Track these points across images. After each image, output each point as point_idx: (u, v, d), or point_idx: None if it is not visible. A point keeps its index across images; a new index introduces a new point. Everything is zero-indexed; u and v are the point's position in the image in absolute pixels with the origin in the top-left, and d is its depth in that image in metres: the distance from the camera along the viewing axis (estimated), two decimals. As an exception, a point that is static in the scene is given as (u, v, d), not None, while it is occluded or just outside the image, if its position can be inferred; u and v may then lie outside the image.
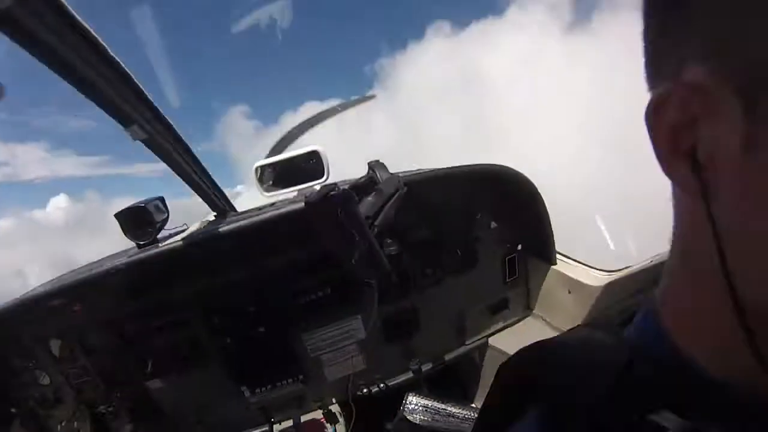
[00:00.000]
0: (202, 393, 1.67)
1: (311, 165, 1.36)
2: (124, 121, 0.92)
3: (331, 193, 0.99)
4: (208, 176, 1.36)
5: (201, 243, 1.44)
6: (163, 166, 1.12)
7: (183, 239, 1.41)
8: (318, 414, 1.78)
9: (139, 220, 1.38)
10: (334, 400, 1.78)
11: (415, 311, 1.74)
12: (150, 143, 1.02)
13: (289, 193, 1.43)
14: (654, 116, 0.36)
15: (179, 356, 1.63)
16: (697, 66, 0.32)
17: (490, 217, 1.71)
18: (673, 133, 0.35)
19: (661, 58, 0.38)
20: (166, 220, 1.41)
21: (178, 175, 1.21)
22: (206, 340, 1.63)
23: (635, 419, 0.38)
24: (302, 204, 1.09)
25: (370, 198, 1.17)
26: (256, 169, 1.38)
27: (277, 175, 1.39)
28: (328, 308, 1.64)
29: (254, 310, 1.62)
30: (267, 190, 1.38)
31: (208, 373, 1.66)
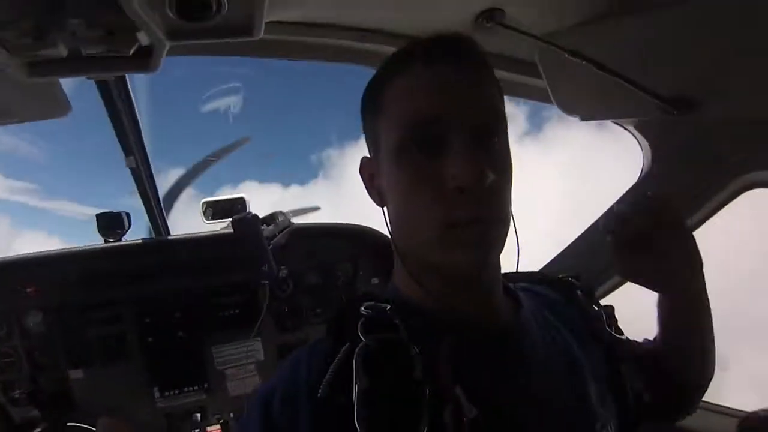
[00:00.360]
0: (117, 388, 1.83)
1: (238, 207, 1.91)
2: (126, 150, 1.45)
3: (246, 215, 1.74)
4: (159, 202, 1.81)
5: (148, 248, 1.85)
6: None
7: (135, 244, 1.86)
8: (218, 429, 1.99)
9: (113, 223, 1.84)
10: (232, 415, 2.01)
11: (306, 341, 2.11)
12: (134, 172, 1.54)
13: (222, 222, 1.94)
14: (361, 170, 0.75)
15: (106, 349, 1.81)
16: (370, 150, 0.72)
17: (372, 273, 2.15)
18: (370, 179, 0.74)
19: (367, 142, 0.75)
20: (127, 230, 1.86)
21: (142, 196, 1.68)
22: (133, 337, 1.83)
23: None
24: (227, 231, 1.83)
25: (270, 227, 1.84)
26: (202, 203, 1.91)
27: (215, 210, 1.92)
28: (236, 327, 1.96)
29: (179, 317, 1.90)
30: (207, 220, 1.90)
31: (127, 369, 1.83)
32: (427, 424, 0.55)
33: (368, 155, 0.74)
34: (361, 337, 0.60)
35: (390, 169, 0.68)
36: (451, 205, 0.62)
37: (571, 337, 0.79)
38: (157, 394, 1.87)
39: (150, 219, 1.88)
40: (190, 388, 1.92)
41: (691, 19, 0.89)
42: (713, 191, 1.18)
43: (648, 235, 0.75)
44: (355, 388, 0.56)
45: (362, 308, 0.64)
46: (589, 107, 1.10)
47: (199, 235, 1.96)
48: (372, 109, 0.71)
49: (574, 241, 1.62)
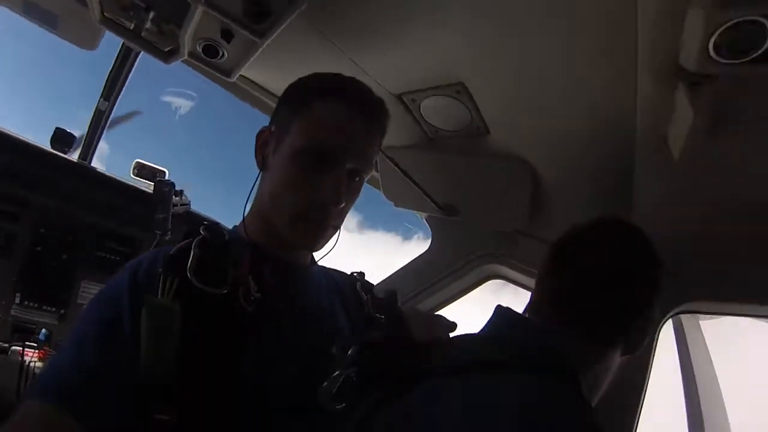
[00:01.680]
0: None
1: (161, 174, 2.29)
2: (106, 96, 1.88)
3: (168, 181, 2.08)
4: (99, 141, 2.16)
5: (75, 169, 2.08)
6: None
7: (68, 160, 2.11)
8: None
9: (65, 140, 2.14)
10: None
11: None
12: (100, 113, 1.97)
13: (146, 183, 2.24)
14: (259, 135, 0.95)
15: None
16: (274, 128, 0.93)
17: None
18: (262, 146, 0.95)
19: (272, 122, 0.96)
20: (70, 152, 2.17)
21: (91, 131, 2.06)
22: (23, 240, 1.93)
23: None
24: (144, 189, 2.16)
25: (176, 198, 2.14)
26: (135, 162, 2.26)
27: (143, 171, 2.27)
28: (110, 273, 1.93)
29: (69, 240, 2.03)
30: (133, 175, 2.25)
31: (3, 265, 1.91)
32: (229, 288, 0.82)
33: (268, 127, 0.96)
34: (201, 233, 0.87)
35: (287, 159, 0.89)
36: (311, 207, 0.88)
37: (341, 309, 1.05)
38: (17, 300, 1.94)
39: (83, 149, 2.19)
40: (49, 308, 2.01)
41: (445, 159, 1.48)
42: (462, 275, 1.61)
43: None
44: (191, 255, 0.82)
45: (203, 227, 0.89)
46: (401, 199, 1.59)
47: (121, 179, 2.19)
48: (294, 108, 0.91)
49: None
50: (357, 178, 0.93)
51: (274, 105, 1.48)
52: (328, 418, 0.80)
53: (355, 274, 1.17)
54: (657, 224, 1.32)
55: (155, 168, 2.29)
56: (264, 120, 1.47)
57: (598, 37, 0.98)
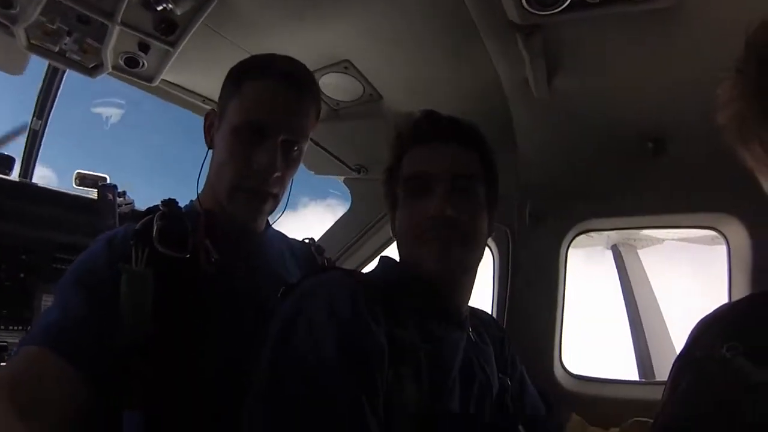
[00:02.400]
0: None
1: (102, 181, 2.24)
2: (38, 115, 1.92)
3: (110, 184, 2.02)
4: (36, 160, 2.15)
5: (17, 189, 2.00)
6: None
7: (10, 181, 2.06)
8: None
9: (5, 163, 2.04)
10: None
11: None
12: (35, 133, 2.03)
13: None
14: (206, 117, 1.04)
15: None
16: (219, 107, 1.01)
17: None
18: (209, 127, 1.03)
19: (219, 101, 1.01)
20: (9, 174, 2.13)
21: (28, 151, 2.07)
22: None
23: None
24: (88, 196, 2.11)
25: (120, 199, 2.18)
26: (76, 173, 2.23)
27: (85, 180, 2.25)
28: None
29: (24, 260, 1.92)
30: (76, 186, 2.23)
31: None
32: (190, 252, 0.91)
33: (213, 110, 1.04)
34: (160, 208, 0.96)
35: (225, 136, 0.96)
36: (247, 177, 0.94)
37: (295, 267, 1.13)
38: None
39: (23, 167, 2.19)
40: (15, 327, 1.92)
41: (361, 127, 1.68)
42: (382, 227, 1.78)
43: None
44: (155, 227, 0.90)
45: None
46: (320, 168, 1.78)
47: (65, 191, 2.16)
48: (230, 89, 0.97)
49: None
50: (294, 149, 0.99)
51: (197, 102, 1.66)
52: None
53: (306, 240, 1.28)
54: (541, 156, 1.53)
55: (96, 175, 2.28)
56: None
57: (447, 6, 1.16)
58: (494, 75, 1.31)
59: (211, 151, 1.04)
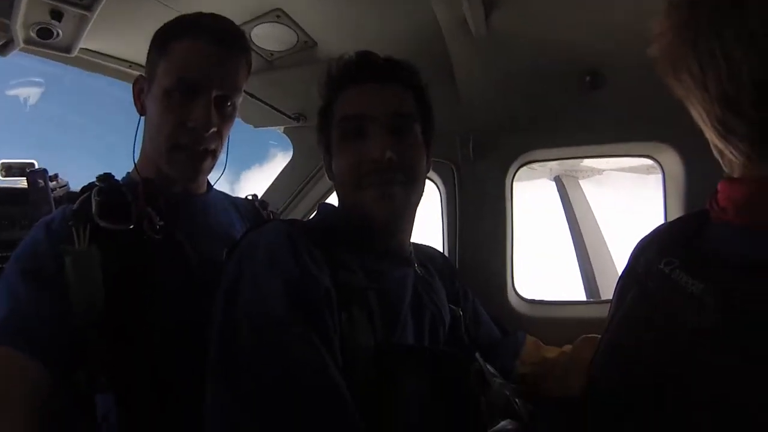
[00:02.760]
0: None
1: (31, 167, 2.13)
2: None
3: (40, 169, 1.92)
4: None
5: None
6: None
7: None
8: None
9: None
10: None
11: None
12: None
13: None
14: (135, 84, 1.01)
15: None
16: (147, 72, 0.99)
17: None
18: (139, 92, 1.01)
19: (146, 66, 0.98)
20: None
21: None
22: None
23: None
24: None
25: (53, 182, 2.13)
26: (1, 164, 2.16)
27: (11, 169, 2.18)
28: None
29: None
30: (3, 177, 2.16)
31: None
32: (134, 223, 0.91)
33: (142, 75, 1.01)
34: (96, 183, 0.94)
35: (157, 99, 0.95)
36: (183, 134, 0.95)
37: (241, 224, 1.16)
38: None
39: None
40: None
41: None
42: (321, 173, 1.79)
43: None
44: (93, 203, 0.89)
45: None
46: (258, 120, 1.77)
47: None
48: (158, 52, 0.96)
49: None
50: (228, 104, 0.99)
51: (124, 69, 1.59)
52: None
53: (249, 197, 1.29)
54: (482, 92, 1.54)
55: (22, 162, 2.17)
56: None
57: None
58: (430, 14, 1.28)
59: (143, 119, 1.03)
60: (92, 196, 0.91)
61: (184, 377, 0.87)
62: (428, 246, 1.37)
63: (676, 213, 1.63)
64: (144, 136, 1.02)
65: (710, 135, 0.68)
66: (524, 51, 1.39)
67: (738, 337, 0.58)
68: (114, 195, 0.93)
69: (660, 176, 1.71)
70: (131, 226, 0.91)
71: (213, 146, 1.00)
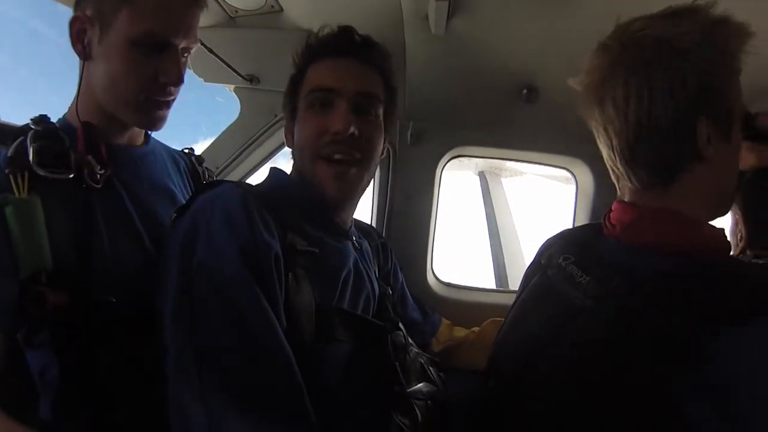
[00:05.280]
0: None
1: None
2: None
3: None
4: None
5: None
6: None
7: None
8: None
9: None
10: None
11: None
12: None
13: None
14: (73, 22, 0.90)
15: None
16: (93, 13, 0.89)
17: None
18: (79, 33, 0.91)
19: (93, 7, 0.90)
20: None
21: None
22: None
23: None
24: None
25: None
26: None
27: None
28: None
29: None
30: None
31: None
32: (74, 172, 0.87)
33: (82, 13, 0.91)
34: (31, 126, 0.89)
35: (120, 48, 0.90)
36: (155, 90, 0.94)
37: (178, 178, 1.17)
38: None
39: None
40: None
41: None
42: (269, 136, 1.82)
43: None
44: (30, 149, 0.84)
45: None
46: (210, 75, 1.76)
47: None
48: None
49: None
50: (186, 54, 0.99)
51: None
52: None
53: (186, 150, 1.30)
54: (428, 86, 1.66)
55: None
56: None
57: None
58: (396, 4, 1.39)
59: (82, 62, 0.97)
60: (28, 141, 0.86)
61: (128, 327, 0.89)
62: (365, 223, 1.46)
63: (582, 220, 1.90)
64: (89, 79, 0.97)
65: (614, 160, 0.84)
66: (474, 55, 1.53)
67: (606, 315, 0.76)
68: (51, 140, 0.89)
69: (573, 188, 1.97)
70: (71, 175, 0.87)
71: (176, 96, 1.00)
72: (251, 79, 1.73)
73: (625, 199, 0.88)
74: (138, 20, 0.88)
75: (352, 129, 0.97)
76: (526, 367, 0.87)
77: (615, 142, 0.82)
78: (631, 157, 0.81)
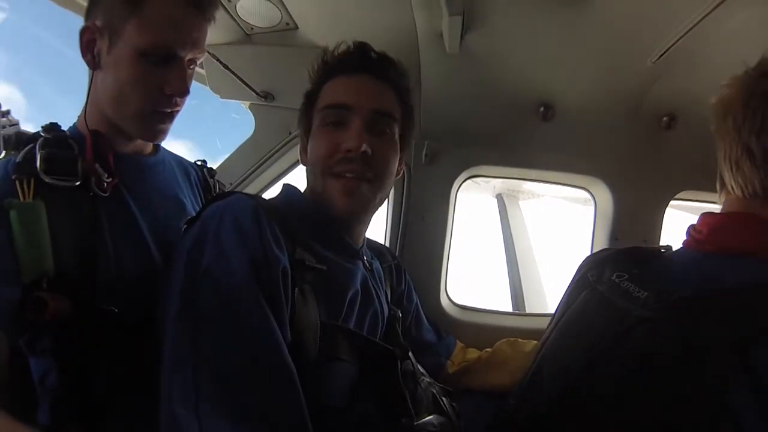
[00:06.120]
0: None
1: None
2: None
3: None
4: None
5: None
6: None
7: None
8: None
9: None
10: None
11: None
12: None
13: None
14: (84, 32, 0.91)
15: None
16: (104, 24, 0.89)
17: None
18: (89, 43, 0.91)
19: (104, 17, 0.90)
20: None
21: None
22: None
23: None
24: None
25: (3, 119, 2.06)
26: None
27: None
28: None
29: None
30: None
31: None
32: (81, 179, 0.87)
33: (92, 23, 0.92)
34: (41, 134, 0.90)
35: (128, 59, 0.90)
36: (161, 101, 0.94)
37: (188, 187, 1.16)
38: None
39: None
40: None
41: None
42: (283, 153, 1.82)
43: None
44: (38, 156, 0.85)
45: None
46: (226, 92, 1.78)
47: None
48: (128, 7, 0.88)
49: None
50: (192, 66, 0.98)
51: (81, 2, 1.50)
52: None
53: (198, 162, 1.29)
54: (443, 104, 1.64)
55: None
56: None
57: None
58: (411, 22, 1.38)
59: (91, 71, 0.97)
60: (36, 148, 0.87)
61: (130, 336, 0.88)
62: (379, 243, 1.44)
63: (602, 241, 1.83)
64: (98, 88, 0.97)
65: (724, 167, 0.90)
66: (488, 74, 1.52)
67: (671, 324, 0.77)
68: (59, 148, 0.89)
69: (593, 209, 1.91)
70: (78, 183, 0.88)
71: (181, 107, 1.00)
72: (266, 96, 1.73)
73: (723, 210, 0.92)
74: (146, 31, 0.89)
75: (364, 147, 0.95)
76: (582, 377, 0.87)
77: (728, 151, 0.88)
78: (737, 167, 0.87)
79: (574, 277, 1.12)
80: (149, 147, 1.10)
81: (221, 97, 1.78)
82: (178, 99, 0.96)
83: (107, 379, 0.87)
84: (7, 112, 1.91)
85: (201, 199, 1.21)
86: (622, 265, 0.98)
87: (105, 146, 0.96)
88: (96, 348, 0.86)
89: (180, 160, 1.22)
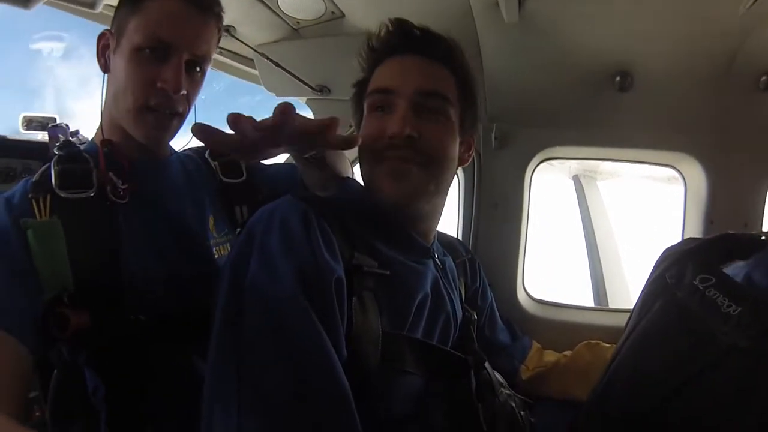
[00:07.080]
0: None
1: (52, 121, 2.08)
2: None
3: (61, 124, 1.89)
4: None
5: None
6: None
7: None
8: None
9: None
10: None
11: None
12: None
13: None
14: (100, 38, 0.94)
15: None
16: (113, 29, 0.93)
17: None
18: (104, 48, 0.95)
19: (113, 22, 0.92)
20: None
21: None
22: None
23: None
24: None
25: (74, 139, 2.12)
26: (22, 116, 2.09)
27: (33, 122, 2.11)
28: None
29: None
30: (25, 129, 2.10)
31: None
32: (95, 188, 0.89)
33: (108, 30, 0.96)
34: (56, 153, 0.91)
35: (125, 57, 0.91)
36: (152, 96, 0.91)
37: (204, 192, 1.10)
38: None
39: None
40: None
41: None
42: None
43: None
44: (53, 173, 0.87)
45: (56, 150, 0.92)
46: (280, 89, 1.75)
47: (13, 137, 2.02)
48: (129, 8, 0.91)
49: None
50: (197, 69, 0.97)
51: None
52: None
53: (201, 147, 1.20)
54: (508, 81, 1.51)
55: (44, 117, 2.11)
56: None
57: None
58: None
59: (106, 76, 0.99)
60: (51, 165, 0.89)
61: (160, 343, 0.89)
62: (451, 236, 1.34)
63: (695, 227, 1.60)
64: (107, 95, 0.99)
65: None
66: (554, 43, 1.36)
67: None
68: (74, 162, 0.91)
69: (681, 189, 1.67)
70: (92, 194, 0.89)
71: (181, 109, 0.97)
72: (321, 89, 1.69)
73: None
74: (143, 27, 0.90)
75: (408, 131, 0.87)
76: (651, 413, 0.74)
77: None
78: None
79: (651, 275, 0.96)
80: (165, 152, 1.09)
81: (277, 96, 1.76)
82: (174, 98, 0.93)
83: (155, 392, 0.89)
84: (76, 132, 1.99)
85: (210, 188, 1.14)
86: (708, 263, 0.82)
87: (119, 154, 0.97)
88: (134, 358, 0.87)
89: (188, 155, 1.17)
